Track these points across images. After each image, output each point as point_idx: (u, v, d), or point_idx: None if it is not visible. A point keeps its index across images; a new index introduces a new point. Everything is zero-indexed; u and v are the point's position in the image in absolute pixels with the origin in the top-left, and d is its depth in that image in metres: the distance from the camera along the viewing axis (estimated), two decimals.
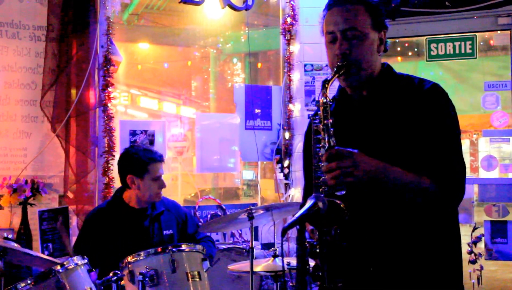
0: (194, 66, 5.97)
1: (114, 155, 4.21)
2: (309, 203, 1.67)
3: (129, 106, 6.13)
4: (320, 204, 1.67)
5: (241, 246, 4.36)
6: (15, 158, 4.14)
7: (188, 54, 5.84)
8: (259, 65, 5.72)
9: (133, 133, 4.44)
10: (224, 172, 5.61)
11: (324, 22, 2.02)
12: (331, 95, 1.91)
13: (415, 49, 6.10)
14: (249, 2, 4.88)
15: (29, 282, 2.52)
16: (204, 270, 2.98)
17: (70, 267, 2.61)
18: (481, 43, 5.21)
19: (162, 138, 4.56)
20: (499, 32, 4.95)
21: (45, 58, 4.15)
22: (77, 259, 2.69)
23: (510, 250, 4.73)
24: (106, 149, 4.20)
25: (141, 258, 2.85)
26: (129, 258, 2.85)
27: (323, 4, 2.04)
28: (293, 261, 3.35)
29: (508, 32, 4.85)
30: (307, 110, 4.89)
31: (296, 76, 5.01)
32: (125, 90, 5.83)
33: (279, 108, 5.06)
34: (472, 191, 5.02)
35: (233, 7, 4.84)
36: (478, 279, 4.78)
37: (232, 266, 3.56)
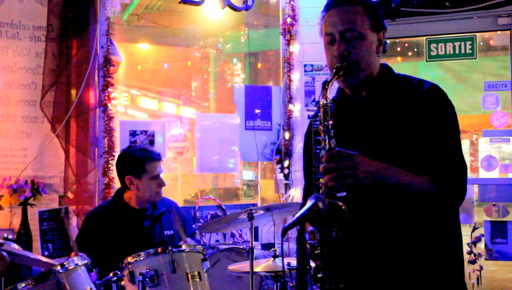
0: (194, 67, 5.97)
1: (114, 156, 4.21)
2: (309, 203, 1.67)
3: (129, 106, 6.14)
4: (320, 205, 1.67)
5: (241, 247, 4.35)
6: (15, 159, 4.14)
7: (188, 55, 5.84)
8: (259, 65, 5.72)
9: (133, 133, 4.44)
10: (224, 172, 5.61)
11: (323, 24, 2.03)
12: (330, 96, 1.91)
13: (415, 49, 6.10)
14: (249, 3, 4.89)
15: (29, 282, 2.52)
16: (204, 270, 2.98)
17: (70, 267, 2.61)
18: (481, 43, 5.20)
19: (162, 138, 4.56)
20: (499, 32, 4.95)
21: (45, 58, 4.15)
22: (77, 259, 2.69)
23: (510, 250, 4.73)
24: (106, 149, 4.20)
25: (141, 258, 2.85)
26: (129, 259, 2.85)
27: (323, 4, 2.04)
28: (293, 262, 3.35)
29: (508, 32, 4.85)
30: (307, 110, 4.89)
31: (296, 77, 5.01)
32: (125, 90, 5.83)
33: (279, 108, 5.06)
34: (472, 191, 5.02)
35: (233, 7, 4.84)
36: (477, 279, 4.78)
37: (232, 267, 3.56)
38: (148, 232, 3.40)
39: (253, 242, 3.38)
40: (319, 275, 1.75)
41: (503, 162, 5.04)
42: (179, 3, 4.65)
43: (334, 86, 2.01)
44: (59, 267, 2.57)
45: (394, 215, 1.90)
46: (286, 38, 5.02)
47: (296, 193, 4.91)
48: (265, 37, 5.62)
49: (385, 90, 2.01)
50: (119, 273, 2.81)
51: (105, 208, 3.49)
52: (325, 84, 1.87)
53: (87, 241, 3.34)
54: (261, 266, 3.41)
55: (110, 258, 3.13)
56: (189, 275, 2.89)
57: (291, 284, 3.47)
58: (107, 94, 4.22)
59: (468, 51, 4.93)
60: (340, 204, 1.75)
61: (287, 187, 4.97)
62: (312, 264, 1.76)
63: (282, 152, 4.99)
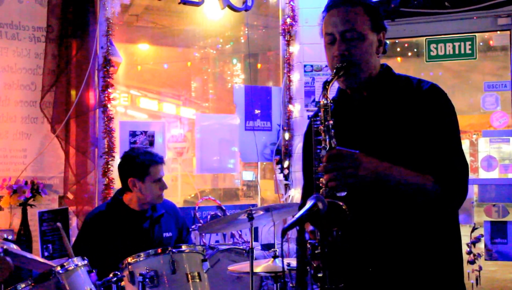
0: (193, 67, 5.97)
1: (114, 156, 4.21)
2: (309, 203, 1.67)
3: (129, 107, 6.14)
4: (320, 205, 1.66)
5: (241, 247, 4.36)
6: (15, 159, 4.14)
7: (188, 55, 5.84)
8: (259, 65, 5.72)
9: (133, 134, 4.44)
10: (224, 173, 5.61)
11: (323, 24, 2.03)
12: (330, 96, 1.91)
13: (415, 50, 6.10)
14: (249, 3, 4.89)
15: (29, 283, 2.52)
16: (204, 271, 2.98)
17: (70, 268, 2.61)
18: (481, 44, 5.20)
19: (162, 139, 4.56)
20: (498, 32, 4.95)
21: (45, 59, 4.15)
22: (77, 260, 2.69)
23: (510, 251, 4.73)
24: (106, 150, 4.20)
25: (141, 259, 2.85)
26: (129, 259, 2.86)
27: (323, 5, 2.05)
28: (293, 262, 3.35)
29: (508, 32, 4.85)
30: (307, 110, 4.89)
31: (296, 77, 5.01)
32: (125, 91, 5.83)
33: (278, 108, 5.06)
34: (472, 191, 5.02)
35: (233, 8, 4.84)
36: (476, 279, 4.78)
37: (232, 267, 3.56)
38: (148, 234, 3.40)
39: (253, 243, 3.39)
40: (319, 275, 1.75)
41: (503, 162, 5.04)
42: (179, 3, 4.65)
43: (334, 86, 2.02)
44: (59, 268, 2.57)
45: (395, 215, 1.90)
46: (286, 38, 5.02)
47: (296, 194, 4.91)
48: (265, 37, 5.62)
49: (385, 90, 2.01)
50: (119, 273, 2.81)
51: (104, 210, 3.48)
52: (326, 84, 1.87)
53: (87, 243, 3.34)
54: (261, 266, 3.41)
55: (109, 260, 3.13)
56: (189, 276, 2.89)
57: (291, 285, 3.47)
58: (107, 95, 4.23)
59: (468, 52, 4.93)
60: (341, 203, 1.75)
61: (287, 187, 4.97)
62: (313, 263, 1.76)
63: (282, 153, 4.99)
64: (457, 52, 4.96)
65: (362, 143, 1.92)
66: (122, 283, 2.83)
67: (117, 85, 4.49)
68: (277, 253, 3.48)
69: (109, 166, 4.17)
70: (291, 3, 4.98)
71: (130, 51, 5.45)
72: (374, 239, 1.92)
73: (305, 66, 4.93)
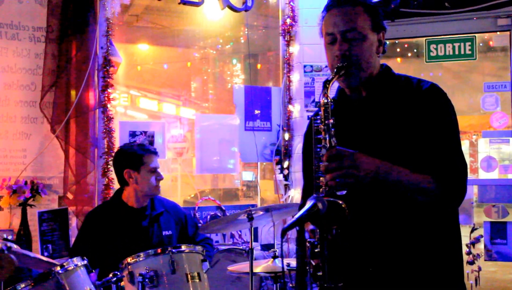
0: (193, 67, 5.96)
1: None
2: (308, 204, 1.67)
3: (129, 107, 6.13)
4: (320, 205, 1.67)
5: (241, 247, 4.36)
6: (14, 159, 4.14)
7: (188, 55, 5.84)
8: (259, 66, 5.72)
9: (133, 134, 4.44)
10: (223, 173, 5.61)
11: (323, 24, 2.03)
12: (330, 96, 1.91)
13: (415, 50, 6.10)
14: (249, 3, 4.89)
15: (29, 283, 2.52)
16: (204, 271, 2.98)
17: (70, 268, 2.61)
18: (481, 44, 5.20)
19: (161, 139, 4.56)
20: (498, 33, 4.95)
21: (45, 59, 4.15)
22: (77, 260, 2.69)
23: (509, 251, 4.73)
24: (106, 150, 4.20)
25: (140, 259, 2.85)
26: (129, 259, 2.86)
27: (323, 5, 2.05)
28: (293, 262, 3.35)
29: (508, 33, 4.85)
30: (307, 111, 4.89)
31: (296, 77, 5.01)
32: (125, 91, 5.82)
33: (278, 109, 5.06)
34: (471, 192, 5.02)
35: (233, 8, 4.84)
36: (476, 280, 4.78)
37: (232, 267, 3.56)
38: (147, 232, 3.40)
39: (253, 243, 3.38)
40: (318, 274, 1.75)
41: (502, 163, 5.04)
42: (179, 3, 4.66)
43: (334, 86, 2.02)
44: (58, 268, 2.57)
45: (395, 215, 1.90)
46: (286, 39, 5.02)
47: (295, 194, 4.91)
48: (265, 38, 5.62)
49: (385, 90, 2.01)
50: (118, 273, 2.81)
51: (103, 209, 3.50)
52: (326, 83, 1.88)
53: (86, 243, 3.34)
54: (261, 266, 3.41)
55: (108, 258, 3.14)
56: (189, 276, 2.89)
57: (290, 285, 3.47)
58: (106, 95, 4.23)
59: (468, 52, 4.93)
60: (340, 202, 1.75)
61: (287, 187, 4.97)
62: (312, 262, 1.76)
63: (282, 153, 4.99)
64: (457, 52, 4.96)
65: (362, 143, 1.92)
66: (122, 283, 2.83)
67: (117, 85, 4.49)
68: (276, 253, 3.48)
69: (108, 166, 4.17)
70: (291, 3, 4.98)
71: (130, 51, 5.44)
72: (374, 239, 1.92)
73: (305, 66, 4.94)
